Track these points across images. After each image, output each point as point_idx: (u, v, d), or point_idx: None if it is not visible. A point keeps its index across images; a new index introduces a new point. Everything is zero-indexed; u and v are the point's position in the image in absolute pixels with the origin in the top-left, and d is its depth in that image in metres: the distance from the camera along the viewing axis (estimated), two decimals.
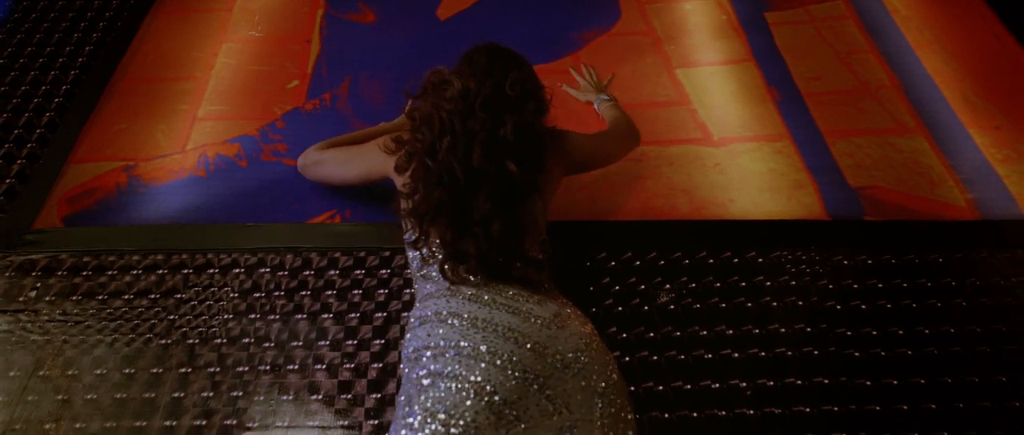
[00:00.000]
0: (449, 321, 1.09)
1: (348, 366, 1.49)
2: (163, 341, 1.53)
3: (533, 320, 1.08)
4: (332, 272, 1.65)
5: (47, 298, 1.60)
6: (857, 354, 1.53)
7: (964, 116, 2.00)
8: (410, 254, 1.32)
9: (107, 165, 1.88)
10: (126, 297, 1.60)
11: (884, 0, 2.36)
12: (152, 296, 1.61)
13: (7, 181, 1.82)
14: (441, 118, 1.25)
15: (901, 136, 1.95)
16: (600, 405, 1.03)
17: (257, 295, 1.61)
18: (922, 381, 1.49)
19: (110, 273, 1.65)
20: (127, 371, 1.49)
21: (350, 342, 1.53)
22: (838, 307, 1.60)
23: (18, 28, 2.21)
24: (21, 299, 1.59)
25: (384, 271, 1.65)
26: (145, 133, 1.97)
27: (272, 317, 1.57)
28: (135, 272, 1.65)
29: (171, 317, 1.57)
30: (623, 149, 1.74)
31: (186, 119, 2.00)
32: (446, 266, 1.18)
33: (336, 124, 1.98)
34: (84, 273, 1.65)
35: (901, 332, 1.56)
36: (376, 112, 2.01)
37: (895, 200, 1.80)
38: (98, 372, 1.48)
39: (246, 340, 1.53)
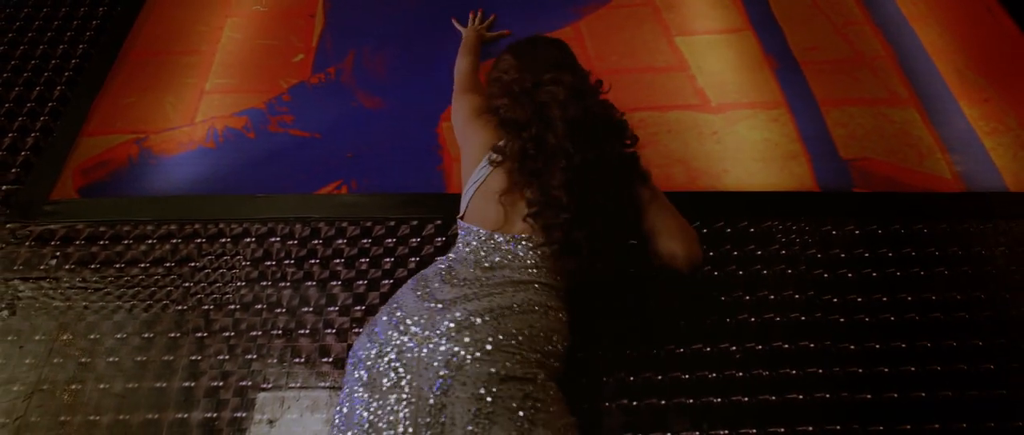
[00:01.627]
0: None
1: (357, 330, 1.57)
2: (180, 307, 1.61)
3: (426, 302, 1.21)
4: (340, 241, 1.71)
5: (67, 266, 1.67)
6: (842, 320, 1.60)
7: (955, 88, 2.04)
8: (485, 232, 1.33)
9: (119, 138, 1.93)
10: (142, 265, 1.67)
11: None
12: (167, 264, 1.67)
13: (23, 154, 1.87)
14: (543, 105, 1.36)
15: (893, 107, 2.00)
16: (438, 389, 1.10)
17: (268, 263, 1.68)
18: (903, 345, 1.56)
19: (126, 242, 1.71)
20: (146, 335, 1.56)
21: (359, 308, 1.61)
22: (825, 275, 1.67)
23: (25, 2, 2.24)
24: (42, 267, 1.66)
25: (390, 240, 1.71)
26: (154, 106, 2.01)
27: (283, 284, 1.64)
28: (150, 241, 1.71)
29: (186, 284, 1.64)
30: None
31: (194, 92, 2.05)
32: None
33: (341, 97, 2.03)
34: (101, 242, 1.71)
35: (885, 299, 1.63)
36: (380, 84, 2.06)
37: (884, 172, 1.85)
38: (119, 336, 1.56)
39: (259, 306, 1.61)
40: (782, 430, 1.46)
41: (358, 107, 2.01)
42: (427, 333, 1.14)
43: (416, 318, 1.17)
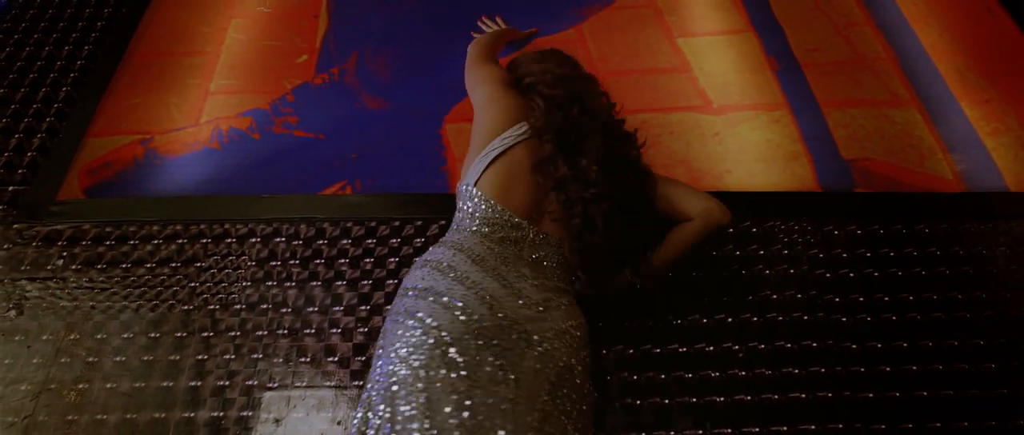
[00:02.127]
0: (447, 271, 1.17)
1: (362, 330, 1.58)
2: (186, 307, 1.62)
3: (518, 299, 1.15)
4: (345, 241, 1.72)
5: (74, 266, 1.68)
6: (844, 319, 1.61)
7: (956, 89, 2.05)
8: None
9: (124, 138, 1.94)
10: (148, 265, 1.68)
11: None
12: (173, 264, 1.68)
13: (29, 154, 1.88)
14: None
15: (895, 108, 2.01)
16: (545, 394, 1.05)
17: (274, 263, 1.69)
18: (905, 345, 1.57)
19: (132, 242, 1.72)
20: (153, 335, 1.57)
21: (364, 307, 1.62)
22: (827, 275, 1.68)
23: (32, 3, 2.25)
24: (49, 267, 1.67)
25: (395, 240, 1.72)
26: (159, 107, 2.02)
27: (288, 284, 1.65)
28: (156, 242, 1.72)
29: (192, 284, 1.65)
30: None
31: (199, 93, 2.06)
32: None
33: (345, 98, 2.04)
34: (107, 242, 1.72)
35: (887, 299, 1.64)
36: (384, 85, 2.07)
37: (885, 172, 1.86)
38: (125, 336, 1.57)
39: (264, 306, 1.62)
40: (785, 429, 1.47)
41: (362, 108, 2.02)
42: (536, 337, 1.10)
43: (522, 318, 1.12)
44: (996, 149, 1.92)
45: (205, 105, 2.03)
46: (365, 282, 1.66)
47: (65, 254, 1.70)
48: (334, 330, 1.58)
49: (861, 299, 1.64)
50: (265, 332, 1.58)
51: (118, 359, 1.54)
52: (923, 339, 1.58)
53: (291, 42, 2.21)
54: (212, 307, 1.62)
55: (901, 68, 2.11)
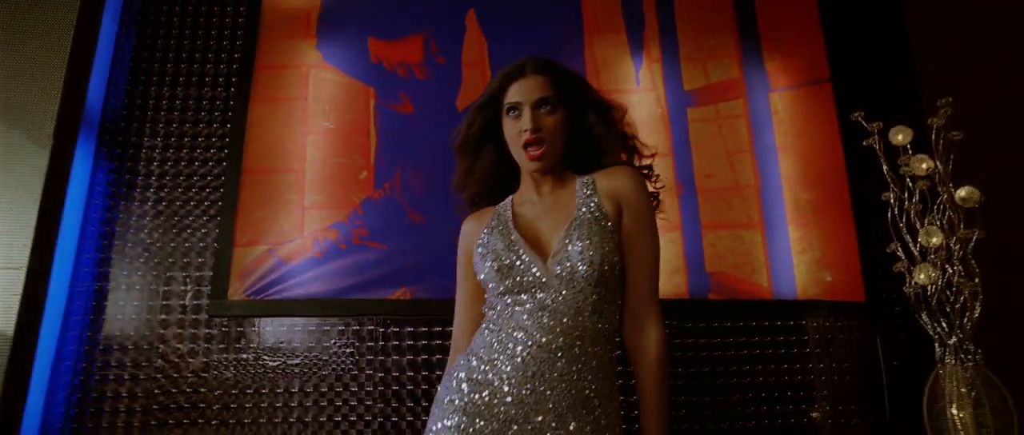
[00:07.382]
0: None
1: (424, 387, 2.90)
2: (353, 371, 2.89)
3: None
4: (409, 328, 2.95)
5: (263, 350, 2.91)
6: (681, 381, 2.99)
7: (789, 214, 3.09)
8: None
9: (258, 249, 2.93)
10: (325, 345, 2.89)
11: (770, 100, 3.29)
12: (333, 348, 2.92)
13: (200, 261, 2.96)
14: None
15: (747, 230, 3.11)
16: None
17: (371, 344, 2.93)
18: (708, 399, 2.99)
19: (297, 331, 2.92)
20: (338, 388, 2.88)
21: (424, 373, 2.92)
22: (678, 355, 3.01)
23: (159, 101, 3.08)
24: (251, 349, 2.90)
25: (442, 328, 2.96)
26: (273, 221, 2.95)
27: (385, 360, 2.92)
28: (310, 329, 2.91)
29: (355, 357, 2.90)
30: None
31: (298, 208, 3.00)
32: None
33: (395, 213, 3.01)
34: (278, 334, 2.92)
35: (706, 369, 3.00)
36: (420, 200, 3.05)
37: (730, 283, 3.06)
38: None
39: (380, 375, 2.90)
40: None
41: (407, 221, 3.02)
42: None
43: None
44: (798, 265, 3.11)
45: (305, 219, 3.02)
46: (424, 357, 2.93)
47: (255, 341, 2.90)
48: (410, 386, 2.90)
49: (692, 370, 3.00)
50: (396, 387, 2.88)
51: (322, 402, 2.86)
52: (716, 395, 2.99)
53: (353, 159, 3.08)
54: (369, 371, 2.89)
55: (760, 195, 3.18)
